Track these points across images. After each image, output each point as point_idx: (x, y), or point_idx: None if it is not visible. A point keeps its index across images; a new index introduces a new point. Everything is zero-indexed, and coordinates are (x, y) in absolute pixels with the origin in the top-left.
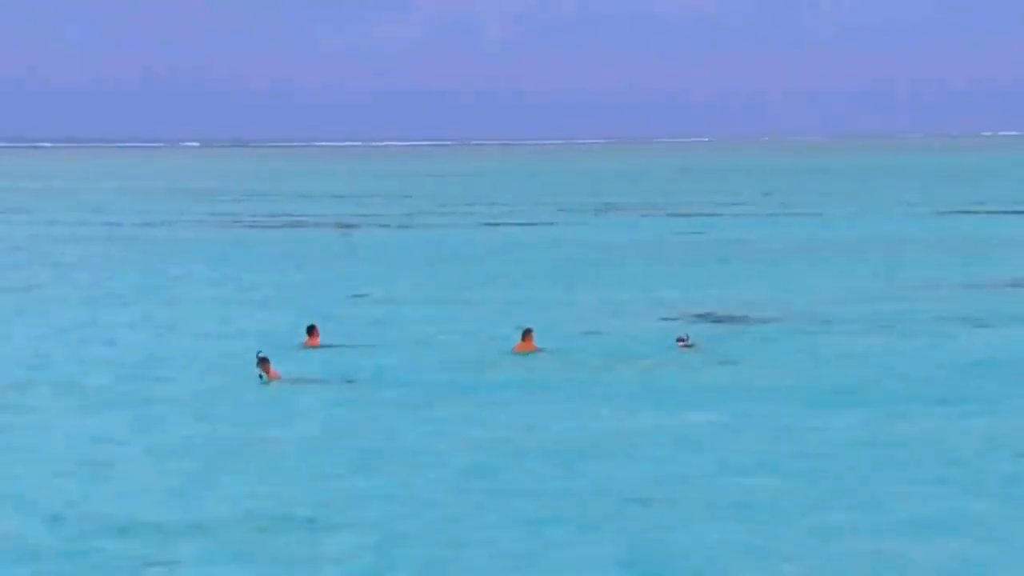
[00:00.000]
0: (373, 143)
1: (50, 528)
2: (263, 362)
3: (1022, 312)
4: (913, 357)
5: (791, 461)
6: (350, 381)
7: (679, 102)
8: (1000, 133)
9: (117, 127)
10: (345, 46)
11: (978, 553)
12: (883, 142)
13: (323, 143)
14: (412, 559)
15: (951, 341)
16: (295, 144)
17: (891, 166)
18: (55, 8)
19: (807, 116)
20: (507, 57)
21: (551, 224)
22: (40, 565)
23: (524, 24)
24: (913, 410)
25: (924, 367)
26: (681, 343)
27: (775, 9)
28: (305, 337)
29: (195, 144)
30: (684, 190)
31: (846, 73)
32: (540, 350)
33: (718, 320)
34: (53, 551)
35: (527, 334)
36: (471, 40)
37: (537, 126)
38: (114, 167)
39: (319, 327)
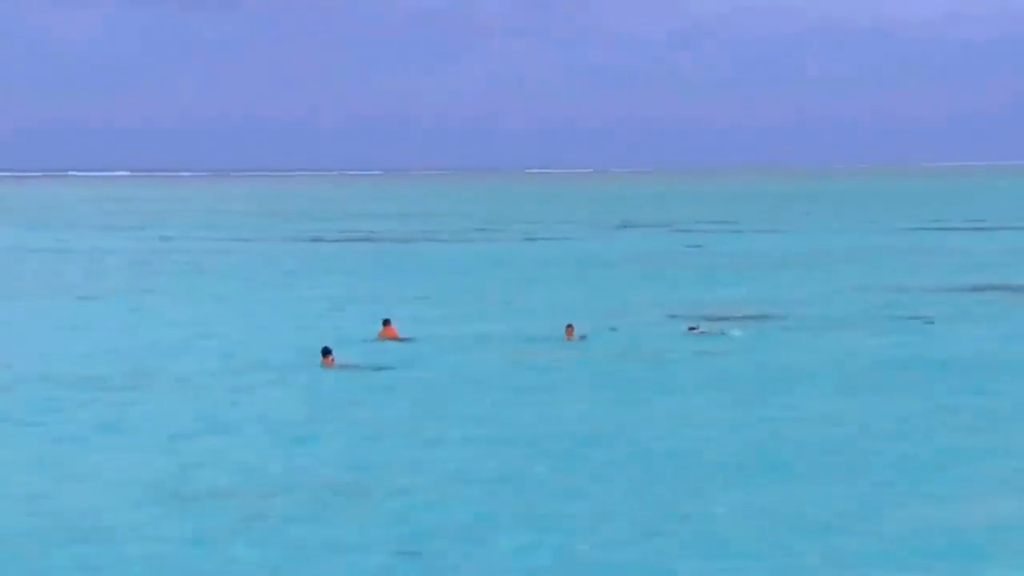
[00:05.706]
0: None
1: (172, 488)
2: (325, 354)
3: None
4: (892, 350)
5: (783, 431)
6: (416, 367)
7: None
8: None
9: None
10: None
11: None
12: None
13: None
14: (462, 522)
15: (932, 337)
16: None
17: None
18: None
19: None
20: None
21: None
22: (162, 526)
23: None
24: (887, 396)
25: (900, 359)
26: (693, 330)
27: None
28: (381, 329)
29: (333, 172)
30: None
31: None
32: (582, 338)
33: (724, 318)
34: (181, 511)
35: (569, 328)
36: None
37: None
38: (241, 193)
39: (393, 322)
